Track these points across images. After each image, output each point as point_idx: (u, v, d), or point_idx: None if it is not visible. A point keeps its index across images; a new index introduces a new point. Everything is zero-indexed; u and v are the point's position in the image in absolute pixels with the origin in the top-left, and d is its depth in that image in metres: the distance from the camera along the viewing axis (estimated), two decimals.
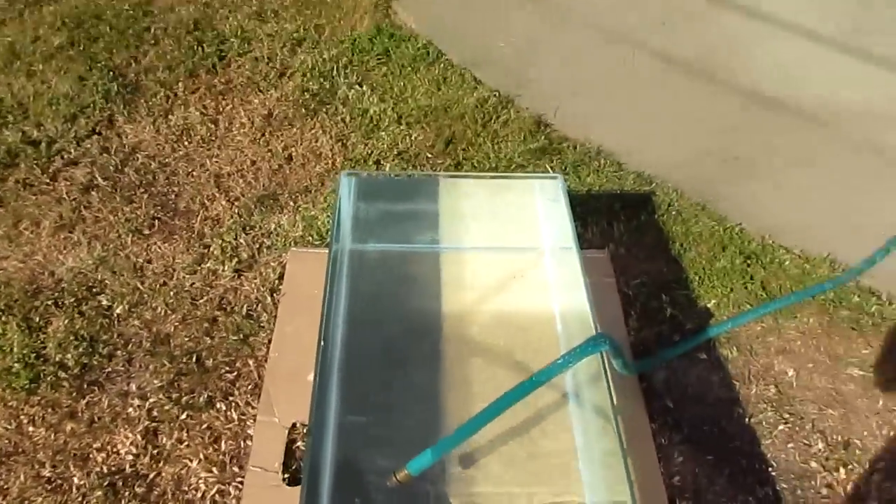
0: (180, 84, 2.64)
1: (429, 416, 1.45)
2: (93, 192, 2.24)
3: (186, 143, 2.42)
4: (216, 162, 2.35)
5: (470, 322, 1.62)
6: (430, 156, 2.37)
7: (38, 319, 1.89)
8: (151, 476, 1.61)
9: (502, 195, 1.80)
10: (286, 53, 2.80)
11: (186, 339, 1.86)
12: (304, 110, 2.54)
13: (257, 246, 2.09)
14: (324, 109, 2.55)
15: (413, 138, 2.43)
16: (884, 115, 2.58)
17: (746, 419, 1.79)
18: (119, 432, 1.67)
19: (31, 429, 1.68)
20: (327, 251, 1.55)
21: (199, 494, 1.58)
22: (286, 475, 1.56)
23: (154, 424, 1.69)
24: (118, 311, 1.91)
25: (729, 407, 1.82)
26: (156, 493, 1.58)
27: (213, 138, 2.44)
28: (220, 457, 1.64)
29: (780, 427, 1.78)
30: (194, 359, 1.81)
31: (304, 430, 1.61)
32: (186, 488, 1.59)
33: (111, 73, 2.68)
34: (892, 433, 1.79)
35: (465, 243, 1.74)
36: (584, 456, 1.43)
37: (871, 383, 1.88)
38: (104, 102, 2.54)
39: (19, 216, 2.16)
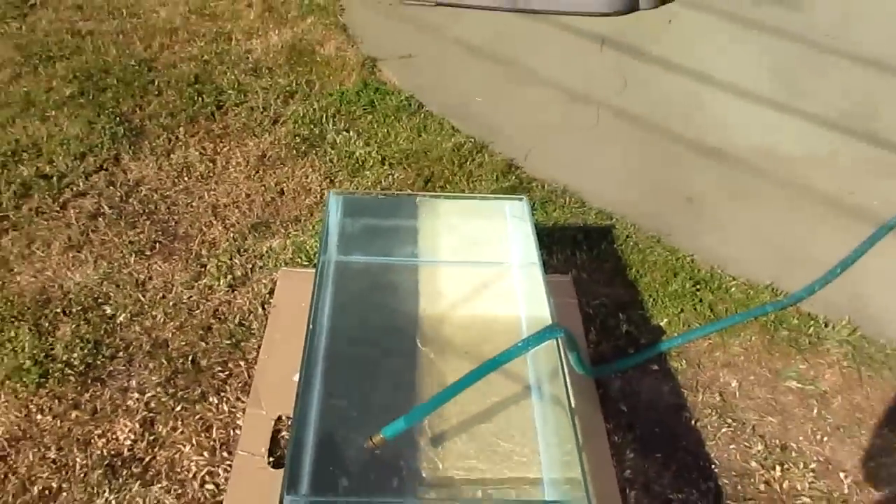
0: (181, 129, 2.87)
1: (405, 402, 1.62)
2: (99, 219, 2.44)
3: (186, 178, 2.63)
4: (213, 195, 2.56)
5: (443, 324, 1.80)
6: (410, 192, 2.59)
7: (47, 325, 2.06)
8: (147, 459, 1.76)
9: (474, 214, 2.01)
10: (279, 104, 3.05)
11: (183, 343, 2.03)
12: (295, 152, 2.77)
13: (250, 266, 2.28)
14: (314, 151, 2.78)
15: (395, 177, 2.66)
16: (814, 162, 2.86)
17: (693, 423, 1.97)
18: (119, 421, 1.83)
19: (38, 417, 1.83)
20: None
21: (191, 475, 1.73)
22: (271, 458, 1.71)
23: (151, 415, 1.85)
24: (121, 318, 2.09)
25: (677, 412, 2.00)
26: (151, 473, 1.73)
27: (211, 175, 2.66)
28: (211, 443, 1.79)
29: (724, 430, 1.96)
30: (190, 360, 1.98)
31: (290, 422, 1.76)
32: (179, 469, 1.74)
33: (118, 118, 2.90)
34: (825, 438, 1.97)
35: (440, 257, 1.94)
36: (542, 439, 1.60)
37: (807, 395, 2.07)
38: (111, 143, 2.76)
39: (32, 238, 2.35)
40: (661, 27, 3.67)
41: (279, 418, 1.81)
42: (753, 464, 1.90)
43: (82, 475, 1.72)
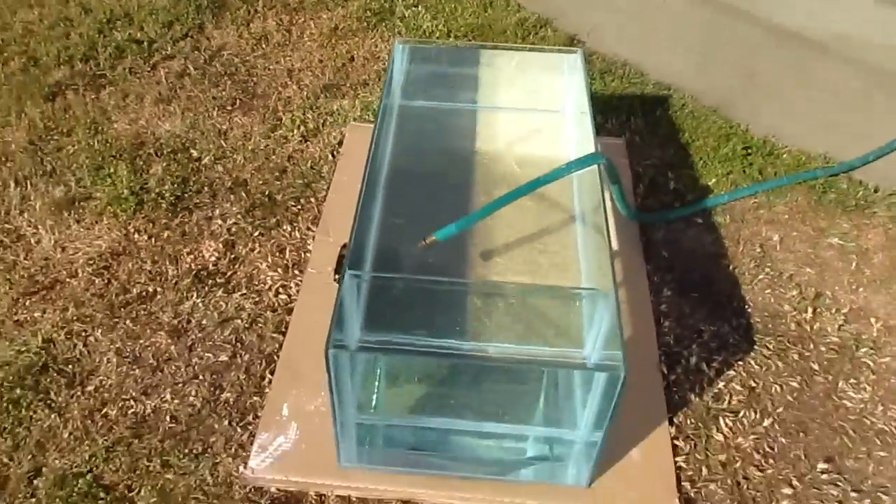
0: (260, 1, 3.04)
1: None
2: (186, 78, 2.65)
3: (264, 45, 2.81)
4: (289, 60, 2.74)
5: (496, 161, 1.93)
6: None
7: (141, 164, 2.29)
8: (229, 273, 1.99)
9: (532, 66, 2.11)
10: None
11: (260, 182, 2.23)
12: (366, 24, 2.91)
13: (322, 121, 2.46)
14: (383, 24, 2.91)
15: None
16: (892, 51, 2.82)
17: (731, 269, 2.08)
18: (204, 242, 2.06)
19: (136, 236, 2.08)
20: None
21: (267, 287, 1.95)
22: (336, 276, 1.90)
23: (232, 238, 2.07)
24: (205, 160, 2.31)
25: (717, 260, 2.10)
26: (232, 283, 1.96)
27: (287, 43, 2.82)
28: (285, 262, 2.01)
29: (760, 277, 2.06)
30: (266, 195, 2.19)
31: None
32: (257, 282, 1.96)
33: None
34: (860, 288, 2.04)
35: (498, 103, 2.06)
36: (582, 256, 1.73)
37: (848, 252, 2.13)
38: (195, 13, 2.95)
39: (126, 93, 2.58)
40: None
41: (344, 245, 1.99)
42: (787, 307, 2.00)
43: (174, 282, 1.95)
